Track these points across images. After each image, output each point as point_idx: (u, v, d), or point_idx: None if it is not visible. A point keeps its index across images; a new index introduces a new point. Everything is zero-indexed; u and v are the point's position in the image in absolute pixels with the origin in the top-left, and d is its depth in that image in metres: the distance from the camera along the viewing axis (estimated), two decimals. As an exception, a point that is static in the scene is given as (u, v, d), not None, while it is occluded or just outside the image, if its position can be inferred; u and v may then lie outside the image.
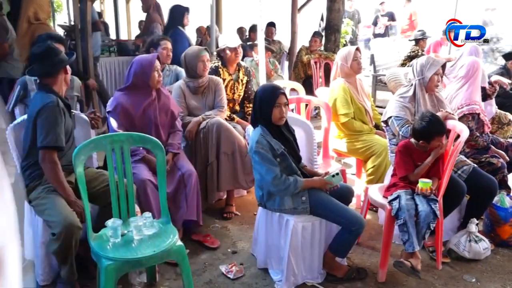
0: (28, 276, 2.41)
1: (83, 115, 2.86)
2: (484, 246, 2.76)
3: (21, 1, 3.89)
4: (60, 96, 2.43)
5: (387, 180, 3.08)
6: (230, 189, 3.39)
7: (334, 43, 6.31)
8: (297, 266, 2.46)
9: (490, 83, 3.48)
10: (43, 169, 2.29)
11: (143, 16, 6.23)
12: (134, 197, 2.38)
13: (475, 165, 2.89)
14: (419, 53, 6.24)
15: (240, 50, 3.65)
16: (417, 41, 6.46)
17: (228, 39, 3.69)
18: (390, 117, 2.89)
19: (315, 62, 6.05)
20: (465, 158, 2.95)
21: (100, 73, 5.66)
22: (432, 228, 2.46)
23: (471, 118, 3.09)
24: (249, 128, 2.75)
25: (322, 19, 9.17)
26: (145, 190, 2.65)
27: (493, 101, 3.94)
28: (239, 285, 2.53)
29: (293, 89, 4.50)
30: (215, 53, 4.12)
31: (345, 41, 8.90)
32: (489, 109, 3.88)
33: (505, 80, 4.00)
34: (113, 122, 2.82)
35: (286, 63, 7.08)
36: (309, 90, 5.42)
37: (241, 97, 3.73)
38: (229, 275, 2.59)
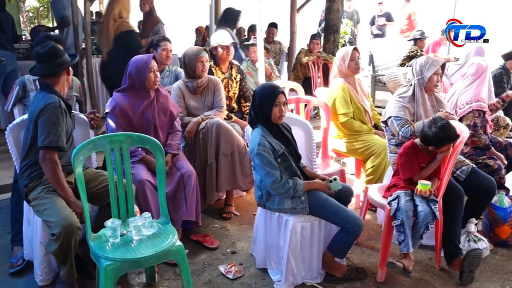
0: None
1: (82, 116, 2.85)
2: (483, 246, 2.76)
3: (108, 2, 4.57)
4: (62, 97, 2.43)
5: (386, 180, 3.09)
6: (229, 190, 3.39)
7: (333, 43, 6.31)
8: (296, 266, 2.46)
9: (501, 98, 3.44)
10: (43, 169, 2.29)
11: (140, 16, 6.21)
12: (133, 198, 2.38)
13: (474, 165, 2.89)
14: (418, 53, 6.26)
15: (232, 49, 3.66)
16: (416, 41, 6.48)
17: (219, 37, 3.69)
18: (390, 117, 2.89)
19: (313, 63, 6.06)
20: (464, 158, 2.95)
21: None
22: (430, 229, 2.46)
23: (477, 114, 3.12)
24: (248, 128, 2.75)
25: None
26: (143, 191, 2.65)
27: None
28: (238, 285, 2.53)
29: (292, 89, 4.50)
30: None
31: (344, 41, 8.91)
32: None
33: None
34: (112, 123, 2.82)
35: (285, 64, 7.08)
36: (308, 91, 5.43)
37: (236, 95, 3.74)
38: (228, 275, 2.59)
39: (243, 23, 7.66)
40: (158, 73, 2.90)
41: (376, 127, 3.63)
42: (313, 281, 2.54)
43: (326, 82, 5.85)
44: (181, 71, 3.75)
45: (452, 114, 2.85)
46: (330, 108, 3.48)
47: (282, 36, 7.10)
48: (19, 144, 2.57)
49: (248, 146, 2.80)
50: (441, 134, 2.46)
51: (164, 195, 2.35)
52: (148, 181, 2.69)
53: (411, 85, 2.92)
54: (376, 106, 4.15)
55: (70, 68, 2.53)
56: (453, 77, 3.94)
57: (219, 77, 3.58)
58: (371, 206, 3.21)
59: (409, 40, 6.79)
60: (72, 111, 2.60)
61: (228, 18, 5.37)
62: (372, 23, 10.99)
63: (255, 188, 2.58)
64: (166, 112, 2.96)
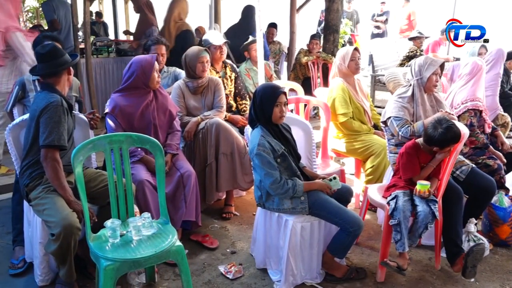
0: None
1: (82, 116, 2.85)
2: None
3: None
4: (63, 96, 2.43)
5: (386, 180, 3.09)
6: (229, 190, 3.39)
7: (333, 43, 6.32)
8: (296, 266, 2.46)
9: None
10: (45, 167, 2.28)
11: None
12: (133, 198, 2.38)
13: (474, 165, 2.89)
14: (418, 53, 6.26)
15: (224, 48, 3.68)
16: (413, 39, 6.51)
17: (212, 37, 3.70)
18: (389, 117, 2.88)
19: (313, 63, 6.06)
20: (463, 158, 2.95)
21: (100, 73, 5.67)
22: (429, 228, 2.46)
23: (473, 113, 3.11)
24: (248, 128, 2.75)
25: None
26: (143, 191, 2.64)
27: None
28: (238, 285, 2.53)
29: (292, 89, 4.50)
30: None
31: (344, 41, 8.92)
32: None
33: None
34: (111, 124, 2.81)
35: (285, 64, 7.08)
36: (308, 91, 5.43)
37: (232, 92, 3.75)
38: (228, 276, 2.59)
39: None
40: (159, 73, 2.91)
41: (375, 127, 3.64)
42: (313, 281, 2.54)
43: (325, 82, 5.85)
44: (181, 72, 3.76)
45: (452, 114, 2.86)
46: (329, 108, 3.48)
47: (281, 36, 7.10)
48: (19, 144, 2.57)
49: (248, 146, 2.81)
50: (447, 135, 2.46)
51: (163, 195, 2.35)
52: (147, 181, 2.69)
53: (410, 85, 2.92)
54: (375, 106, 4.16)
55: (71, 68, 2.53)
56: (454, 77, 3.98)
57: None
58: (371, 206, 3.21)
59: (409, 40, 6.80)
60: (73, 111, 2.60)
61: (248, 16, 5.74)
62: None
63: (254, 188, 2.58)
64: (165, 112, 2.96)
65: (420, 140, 2.63)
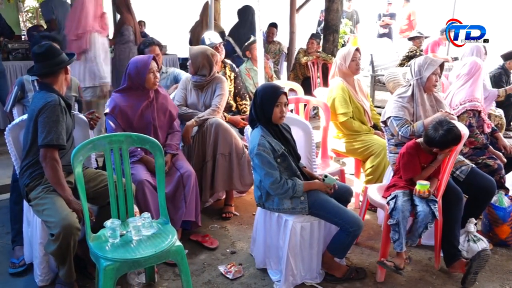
0: None
1: (81, 116, 2.85)
2: (482, 245, 2.76)
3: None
4: (61, 95, 2.43)
5: (386, 180, 3.09)
6: (225, 190, 3.38)
7: (333, 43, 6.32)
8: (296, 266, 2.46)
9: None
10: (44, 167, 2.28)
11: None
12: (132, 198, 2.38)
13: (474, 165, 2.89)
14: (417, 53, 6.26)
15: (222, 48, 3.68)
16: (413, 39, 6.51)
17: (210, 37, 3.70)
18: (389, 117, 2.88)
19: (313, 63, 6.06)
20: (463, 158, 2.95)
21: None
22: (429, 228, 2.46)
23: (472, 114, 3.11)
24: (248, 128, 2.75)
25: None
26: (143, 191, 2.64)
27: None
28: (238, 285, 2.53)
29: (291, 89, 4.50)
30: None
31: (344, 41, 8.92)
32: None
33: None
34: (111, 124, 2.81)
35: (284, 64, 7.08)
36: (308, 91, 5.43)
37: (232, 92, 3.75)
38: (228, 276, 2.59)
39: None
40: (157, 74, 2.90)
41: (375, 127, 3.63)
42: (312, 281, 2.54)
43: (325, 82, 5.85)
44: (180, 73, 3.77)
45: (452, 114, 2.85)
46: (329, 108, 3.48)
47: (281, 36, 7.11)
48: (19, 144, 2.57)
49: (246, 147, 2.81)
50: (448, 137, 2.46)
51: (163, 195, 2.35)
52: (147, 181, 2.69)
53: (410, 85, 2.92)
54: (375, 106, 4.15)
55: (68, 67, 2.52)
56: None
57: None
58: (371, 206, 3.21)
59: (409, 39, 6.81)
60: (72, 111, 2.60)
61: (245, 16, 5.80)
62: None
63: (254, 188, 2.58)
64: (165, 112, 2.96)
65: (420, 140, 2.63)
